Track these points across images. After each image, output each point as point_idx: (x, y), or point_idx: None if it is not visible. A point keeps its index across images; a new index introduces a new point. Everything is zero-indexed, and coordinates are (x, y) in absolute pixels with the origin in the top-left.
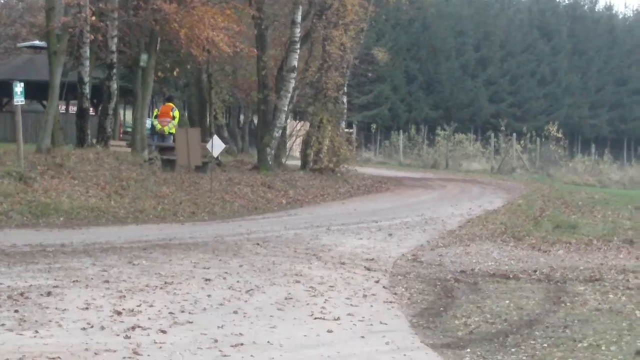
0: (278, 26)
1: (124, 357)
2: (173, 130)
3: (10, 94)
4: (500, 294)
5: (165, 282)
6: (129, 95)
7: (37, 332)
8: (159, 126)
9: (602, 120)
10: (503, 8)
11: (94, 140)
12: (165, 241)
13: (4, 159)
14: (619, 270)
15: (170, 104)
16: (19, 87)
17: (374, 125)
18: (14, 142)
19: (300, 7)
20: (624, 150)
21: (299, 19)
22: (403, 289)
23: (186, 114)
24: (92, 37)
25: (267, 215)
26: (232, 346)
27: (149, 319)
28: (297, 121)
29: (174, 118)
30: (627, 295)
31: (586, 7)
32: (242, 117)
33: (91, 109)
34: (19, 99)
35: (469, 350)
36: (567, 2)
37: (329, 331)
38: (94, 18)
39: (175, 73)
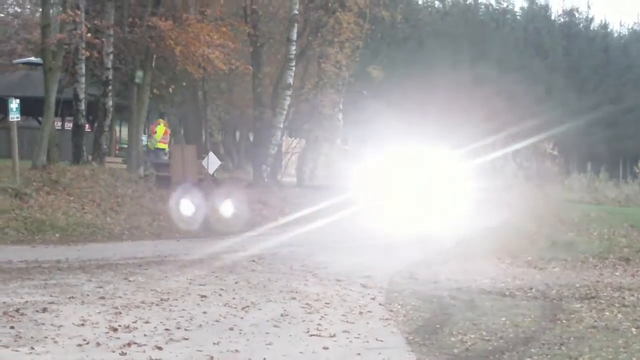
0: (273, 43)
1: None
2: (160, 146)
3: (5, 110)
4: (497, 311)
5: (161, 299)
6: (124, 111)
7: (32, 348)
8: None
9: (597, 138)
10: (498, 26)
11: (90, 157)
12: (161, 258)
13: (0, 176)
14: (615, 287)
15: (158, 120)
16: (14, 104)
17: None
18: (9, 158)
19: (296, 25)
20: (619, 168)
21: (294, 36)
22: (399, 306)
23: (182, 131)
24: (88, 53)
25: (263, 232)
26: None
27: (145, 335)
28: (293, 138)
29: (154, 133)
30: (623, 312)
31: (581, 25)
32: (237, 134)
33: (87, 125)
34: (14, 115)
35: None
36: (562, 20)
37: (325, 348)
38: (89, 35)
39: (170, 90)
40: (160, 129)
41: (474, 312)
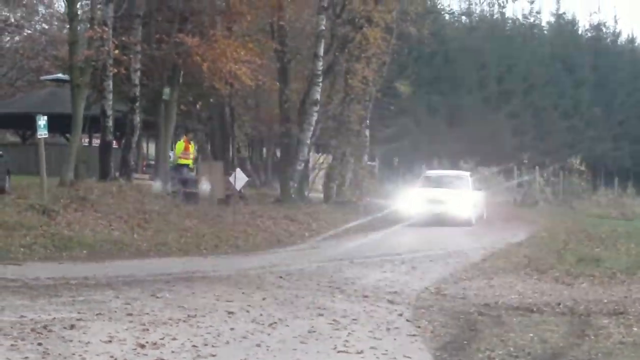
0: (300, 59)
1: None
2: (182, 162)
3: (33, 126)
4: (524, 327)
5: (189, 315)
6: (151, 128)
7: None
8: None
9: (625, 153)
10: (525, 41)
11: (117, 173)
12: (189, 274)
13: (28, 192)
14: None
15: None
16: (42, 120)
17: (396, 159)
18: (37, 174)
19: (323, 41)
20: None
21: (321, 52)
22: (426, 322)
23: (209, 147)
24: (115, 70)
25: (290, 248)
26: None
27: (172, 352)
28: (320, 154)
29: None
30: None
31: (608, 40)
32: (264, 150)
33: (114, 142)
34: (42, 132)
35: None
36: (589, 35)
37: None
38: (117, 51)
39: (198, 106)
40: (180, 145)
41: (501, 328)
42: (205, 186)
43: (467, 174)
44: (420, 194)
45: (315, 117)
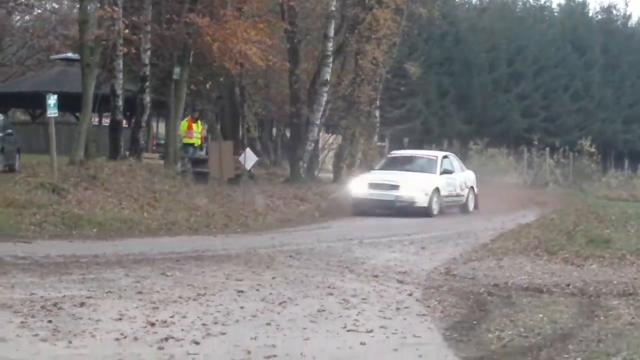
0: (311, 40)
1: None
2: (187, 141)
3: (43, 105)
4: (534, 307)
5: (198, 294)
6: (161, 107)
7: (70, 342)
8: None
9: (635, 135)
10: (536, 22)
11: (127, 153)
12: (198, 253)
13: (38, 170)
14: None
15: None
16: (52, 99)
17: (406, 139)
18: (47, 153)
19: (333, 22)
20: None
21: (331, 33)
22: (436, 302)
23: (219, 127)
24: (125, 49)
25: (300, 228)
26: (265, 358)
27: (182, 330)
28: (330, 134)
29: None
30: None
31: (619, 22)
32: (274, 130)
33: (124, 121)
34: (52, 111)
35: None
36: (600, 17)
37: (362, 344)
38: (127, 31)
39: (208, 86)
40: (183, 124)
41: (511, 308)
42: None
43: (440, 154)
44: (367, 177)
45: (325, 98)
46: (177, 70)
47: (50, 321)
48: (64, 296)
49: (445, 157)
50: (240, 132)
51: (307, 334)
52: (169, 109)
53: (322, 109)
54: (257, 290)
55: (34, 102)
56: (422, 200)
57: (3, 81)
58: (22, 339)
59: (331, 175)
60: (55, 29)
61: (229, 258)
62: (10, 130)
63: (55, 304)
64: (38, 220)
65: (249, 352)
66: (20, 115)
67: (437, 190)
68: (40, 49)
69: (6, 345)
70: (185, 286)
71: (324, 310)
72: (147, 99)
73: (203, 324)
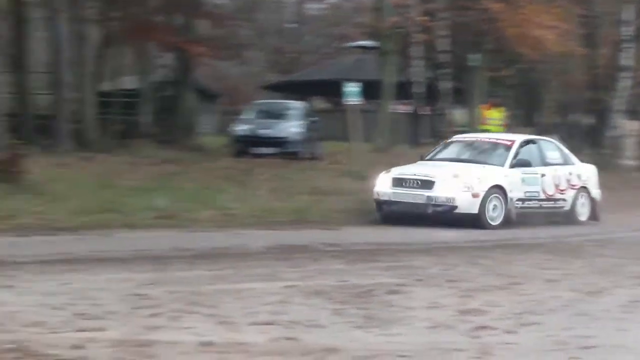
0: (607, 24)
1: (473, 357)
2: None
3: (340, 93)
4: None
5: (507, 282)
6: (458, 94)
7: (384, 329)
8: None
9: None
10: None
11: (426, 140)
12: (504, 242)
13: (340, 158)
14: None
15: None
16: (350, 87)
17: None
18: (347, 140)
19: (633, 6)
20: None
21: (630, 17)
22: None
23: (516, 114)
24: (422, 37)
25: (605, 216)
26: (580, 348)
27: (495, 319)
28: (634, 121)
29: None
30: None
31: None
32: (569, 116)
33: (425, 108)
34: (351, 99)
35: None
36: None
37: None
38: (422, 18)
39: (503, 72)
40: (482, 111)
41: None
42: None
43: (520, 138)
44: (396, 171)
45: (624, 84)
46: (474, 57)
47: (363, 308)
48: (375, 283)
49: (526, 142)
50: (536, 119)
51: (622, 324)
52: (467, 96)
53: (622, 95)
54: (567, 279)
55: (333, 90)
56: (467, 204)
57: (303, 70)
58: (337, 325)
59: (633, 163)
60: (350, 17)
61: (535, 247)
62: (314, 118)
63: (367, 291)
64: (342, 207)
65: (565, 343)
66: (320, 103)
67: (499, 189)
68: (335, 38)
69: (323, 331)
70: (494, 275)
71: (637, 301)
72: (445, 86)
73: (516, 313)
